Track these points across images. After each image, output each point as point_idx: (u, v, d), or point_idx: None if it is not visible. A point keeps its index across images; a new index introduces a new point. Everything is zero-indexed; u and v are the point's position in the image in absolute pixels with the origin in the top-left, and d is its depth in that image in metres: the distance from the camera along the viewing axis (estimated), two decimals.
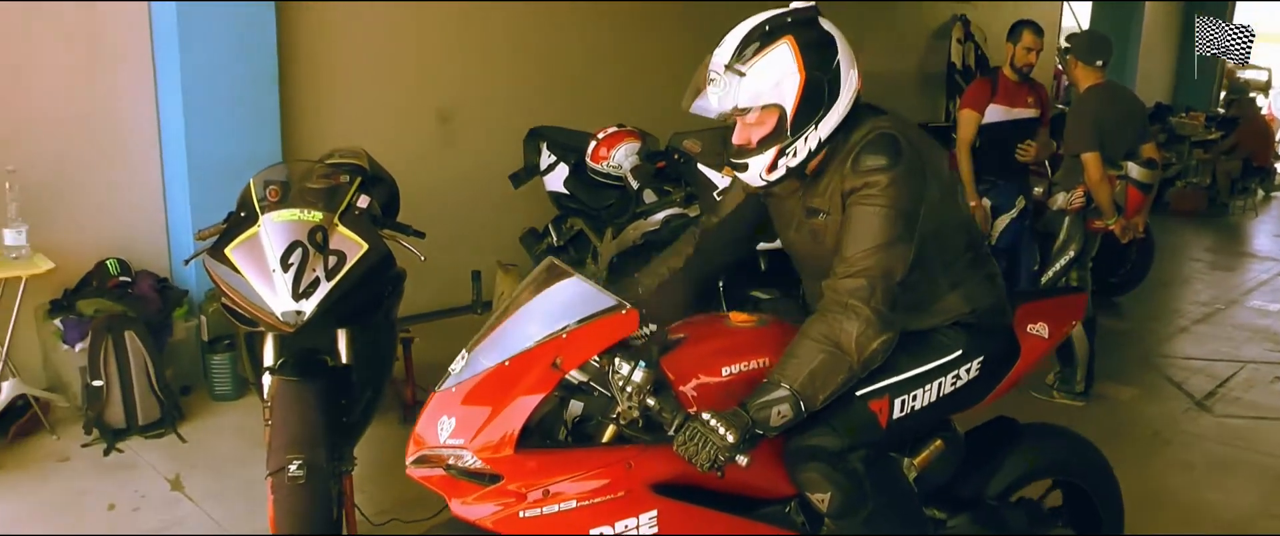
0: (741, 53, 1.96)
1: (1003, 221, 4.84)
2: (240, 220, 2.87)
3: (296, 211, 2.83)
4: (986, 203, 4.86)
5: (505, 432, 1.82)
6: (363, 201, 2.97)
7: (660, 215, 4.02)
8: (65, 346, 3.76)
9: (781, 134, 1.99)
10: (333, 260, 2.75)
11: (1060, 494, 2.61)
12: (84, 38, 3.98)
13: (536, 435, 1.93)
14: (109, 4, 4.03)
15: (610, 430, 1.92)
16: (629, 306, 1.88)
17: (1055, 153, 5.14)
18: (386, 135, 4.62)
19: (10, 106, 3.83)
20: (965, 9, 8.63)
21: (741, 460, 1.82)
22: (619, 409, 1.86)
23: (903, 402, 2.09)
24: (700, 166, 3.84)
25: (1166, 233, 7.45)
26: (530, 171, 4.81)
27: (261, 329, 2.78)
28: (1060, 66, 8.39)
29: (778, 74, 1.95)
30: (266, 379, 2.84)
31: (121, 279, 3.98)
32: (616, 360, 1.84)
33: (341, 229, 2.85)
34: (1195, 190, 9.30)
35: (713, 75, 1.97)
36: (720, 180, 3.70)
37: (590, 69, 5.80)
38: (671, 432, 1.83)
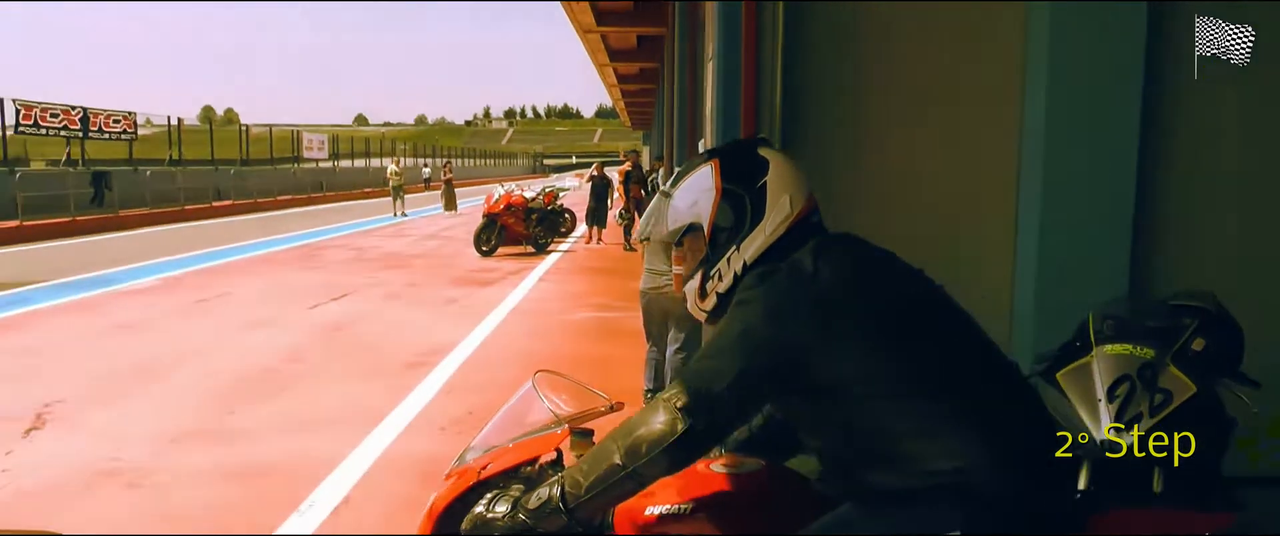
0: (677, 179, 1.96)
1: None
2: (1074, 349, 3.15)
3: (1129, 346, 3.02)
4: None
5: (428, 513, 2.05)
6: (1198, 345, 3.00)
7: None
8: None
9: (706, 256, 1.93)
10: (1159, 398, 2.87)
11: None
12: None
13: None
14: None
15: None
16: (562, 429, 2.02)
17: None
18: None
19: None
20: None
21: None
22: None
23: None
24: None
25: None
26: None
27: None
28: None
29: (696, 193, 1.92)
30: None
31: None
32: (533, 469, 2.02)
33: (1172, 369, 2.94)
34: None
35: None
36: None
37: None
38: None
